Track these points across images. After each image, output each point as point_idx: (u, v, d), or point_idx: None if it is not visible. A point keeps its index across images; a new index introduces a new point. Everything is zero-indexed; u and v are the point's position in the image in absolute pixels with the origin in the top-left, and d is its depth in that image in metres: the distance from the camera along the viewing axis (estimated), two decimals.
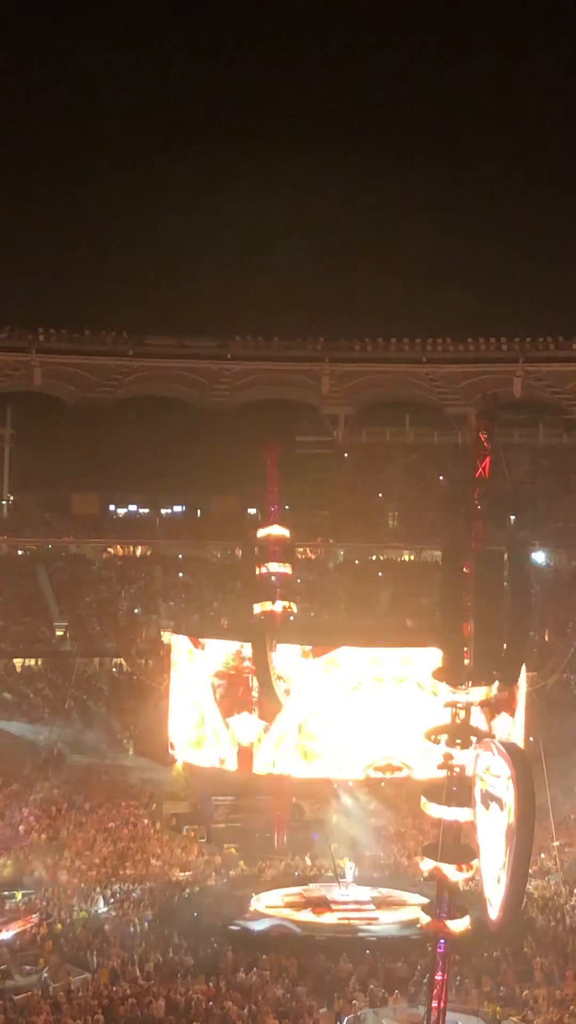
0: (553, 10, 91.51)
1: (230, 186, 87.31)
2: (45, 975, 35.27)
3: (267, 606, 48.84)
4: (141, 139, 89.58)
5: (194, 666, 48.51)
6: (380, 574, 73.86)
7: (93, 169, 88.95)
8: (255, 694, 45.64)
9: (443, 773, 30.76)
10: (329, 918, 42.45)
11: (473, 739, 30.88)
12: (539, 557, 72.75)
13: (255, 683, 45.42)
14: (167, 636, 55.86)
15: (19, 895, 42.84)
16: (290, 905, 43.84)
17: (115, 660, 68.06)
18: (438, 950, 31.36)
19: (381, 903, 43.96)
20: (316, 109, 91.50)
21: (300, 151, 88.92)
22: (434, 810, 30.89)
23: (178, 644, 50.24)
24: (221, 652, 47.51)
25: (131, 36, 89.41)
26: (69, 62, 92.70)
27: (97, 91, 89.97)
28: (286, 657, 44.99)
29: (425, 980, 33.19)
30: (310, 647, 45.33)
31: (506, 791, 28.51)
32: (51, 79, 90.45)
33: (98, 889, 44.07)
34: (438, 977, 31.15)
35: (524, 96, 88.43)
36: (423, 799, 31.52)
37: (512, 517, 72.68)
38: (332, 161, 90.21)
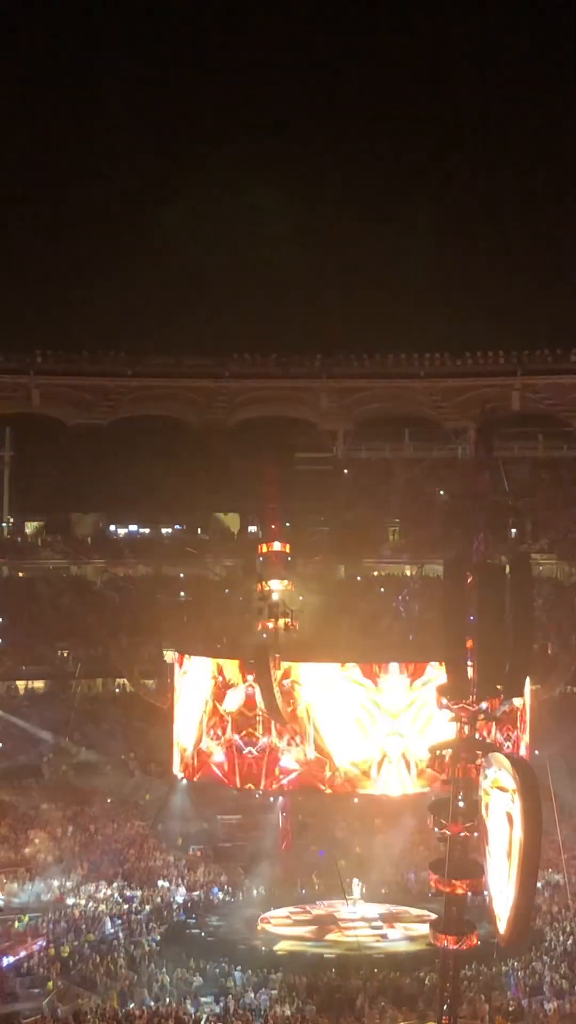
0: None
1: (228, 202, 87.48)
2: (53, 998, 35.15)
3: (269, 623, 48.72)
4: (138, 152, 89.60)
5: (196, 684, 48.37)
6: (382, 589, 73.74)
7: (89, 186, 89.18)
8: (260, 711, 45.47)
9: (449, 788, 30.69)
10: (337, 936, 42.32)
11: (478, 753, 30.80)
12: (540, 569, 72.64)
13: (260, 701, 45.23)
14: (169, 655, 55.71)
15: (26, 918, 42.73)
16: (298, 923, 43.71)
17: (118, 680, 67.90)
18: (447, 966, 31.24)
19: (389, 919, 43.84)
20: (312, 118, 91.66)
21: (296, 163, 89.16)
22: (440, 825, 30.79)
23: (180, 663, 50.09)
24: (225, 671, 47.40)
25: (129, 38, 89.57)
26: (65, 67, 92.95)
27: (93, 98, 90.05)
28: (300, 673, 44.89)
29: (435, 996, 33.06)
30: (324, 663, 45.23)
31: (512, 804, 28.39)
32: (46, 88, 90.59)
33: (105, 910, 43.95)
34: (447, 993, 31.02)
35: (524, 107, 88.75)
36: (429, 814, 31.41)
37: (513, 530, 72.61)
38: (328, 173, 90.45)
